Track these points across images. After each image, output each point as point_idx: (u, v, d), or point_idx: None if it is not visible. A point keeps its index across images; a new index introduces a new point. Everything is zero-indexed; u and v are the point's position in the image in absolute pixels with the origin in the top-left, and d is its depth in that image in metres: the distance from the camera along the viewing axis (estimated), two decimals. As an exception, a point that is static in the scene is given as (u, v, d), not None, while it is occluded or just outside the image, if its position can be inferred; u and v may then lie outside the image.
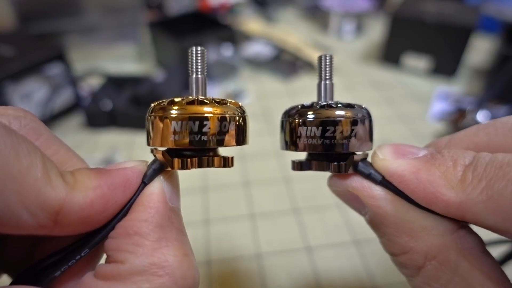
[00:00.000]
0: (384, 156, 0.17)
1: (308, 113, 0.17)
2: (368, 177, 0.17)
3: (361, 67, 0.80)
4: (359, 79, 0.75)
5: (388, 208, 0.16)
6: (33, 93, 0.58)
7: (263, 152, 0.55)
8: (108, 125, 0.61)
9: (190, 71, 0.17)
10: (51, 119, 0.60)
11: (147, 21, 0.81)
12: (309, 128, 0.17)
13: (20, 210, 0.12)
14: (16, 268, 0.17)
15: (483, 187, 0.13)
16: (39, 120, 0.17)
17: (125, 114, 0.60)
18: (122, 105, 0.61)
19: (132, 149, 0.57)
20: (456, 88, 0.71)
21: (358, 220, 0.44)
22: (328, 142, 0.17)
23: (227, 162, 0.17)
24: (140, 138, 0.59)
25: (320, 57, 0.19)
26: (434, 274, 0.15)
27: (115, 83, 0.67)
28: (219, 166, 0.17)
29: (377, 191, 0.16)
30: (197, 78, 0.17)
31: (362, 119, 0.17)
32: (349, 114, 0.17)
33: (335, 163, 0.17)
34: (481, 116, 0.57)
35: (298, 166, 0.18)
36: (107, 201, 0.14)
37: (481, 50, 0.84)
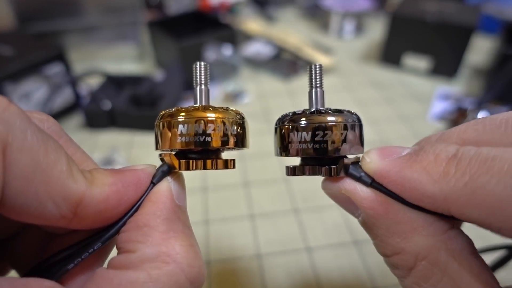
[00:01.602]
0: (371, 159, 0.17)
1: (300, 119, 0.18)
2: (359, 179, 0.17)
3: (361, 67, 0.80)
4: (359, 79, 0.75)
5: (379, 210, 0.16)
6: (32, 93, 0.58)
7: (263, 152, 0.55)
8: (108, 125, 0.61)
9: (194, 84, 0.19)
10: (50, 119, 0.59)
11: (147, 21, 0.81)
12: (300, 133, 0.18)
13: (46, 200, 0.13)
14: (25, 265, 0.18)
15: (467, 180, 0.13)
16: (60, 125, 0.18)
17: (125, 114, 0.60)
18: (121, 105, 0.61)
19: (132, 149, 0.57)
20: (457, 88, 0.71)
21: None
22: (318, 147, 0.17)
23: (229, 164, 0.18)
24: (139, 138, 0.59)
25: (310, 67, 0.19)
26: (424, 275, 0.15)
27: (115, 83, 0.67)
28: (222, 168, 0.18)
29: (368, 193, 0.17)
30: (201, 90, 0.19)
31: (352, 124, 0.18)
32: (339, 119, 0.17)
33: (326, 167, 0.18)
34: (482, 116, 0.57)
35: (292, 171, 0.19)
36: (121, 197, 0.15)
37: (481, 50, 0.84)
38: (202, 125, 0.17)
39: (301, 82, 0.74)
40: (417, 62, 0.75)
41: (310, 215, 0.45)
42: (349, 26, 0.92)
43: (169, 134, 0.17)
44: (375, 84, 0.73)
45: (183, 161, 0.17)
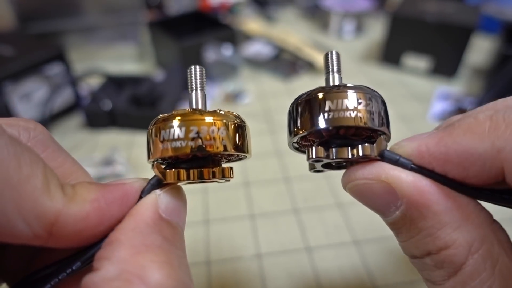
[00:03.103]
0: (400, 145, 0.16)
1: (335, 88, 0.16)
2: (397, 163, 0.15)
3: (361, 67, 0.80)
4: (359, 79, 0.75)
5: (431, 195, 0.14)
6: (32, 93, 0.58)
7: (263, 152, 0.55)
8: (108, 125, 0.61)
9: (189, 88, 0.18)
10: (50, 119, 0.59)
11: (147, 21, 0.81)
12: (339, 100, 0.15)
13: (16, 218, 0.12)
14: (15, 277, 0.17)
15: None
16: (49, 133, 0.17)
17: (125, 114, 0.60)
18: (122, 105, 0.61)
19: (132, 149, 0.57)
20: (456, 88, 0.71)
21: (358, 220, 0.44)
22: (360, 115, 0.15)
23: (226, 173, 0.17)
24: (140, 138, 0.59)
25: (326, 54, 0.18)
26: (474, 271, 0.13)
27: (115, 83, 0.67)
28: (218, 178, 0.16)
29: (412, 177, 0.15)
30: (196, 94, 0.18)
31: (384, 102, 0.17)
32: (374, 93, 0.16)
33: (360, 145, 0.15)
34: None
35: (319, 152, 0.16)
36: (102, 214, 0.14)
37: (481, 50, 0.84)
38: (186, 130, 0.15)
39: (301, 82, 0.74)
40: (417, 62, 0.75)
41: (310, 215, 0.45)
42: (349, 26, 0.92)
43: (157, 142, 0.16)
44: (375, 84, 0.73)
45: (171, 171, 0.15)
